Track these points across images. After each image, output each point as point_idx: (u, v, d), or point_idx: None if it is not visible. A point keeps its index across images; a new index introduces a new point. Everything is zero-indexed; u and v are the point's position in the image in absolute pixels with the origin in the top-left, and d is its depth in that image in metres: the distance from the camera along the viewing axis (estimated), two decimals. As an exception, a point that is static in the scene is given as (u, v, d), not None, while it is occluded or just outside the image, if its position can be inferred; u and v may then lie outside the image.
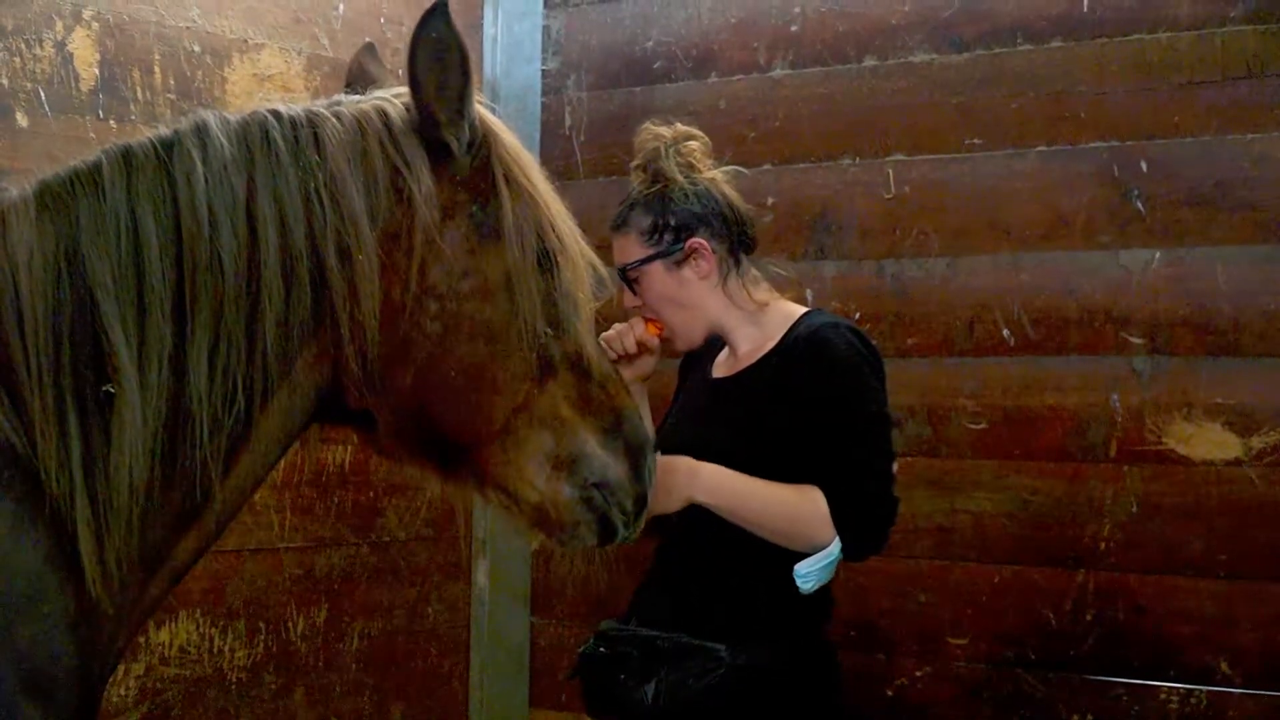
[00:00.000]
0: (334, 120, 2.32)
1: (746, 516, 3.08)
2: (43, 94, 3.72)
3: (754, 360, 3.26)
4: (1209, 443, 3.92)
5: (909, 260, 4.31)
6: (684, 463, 3.09)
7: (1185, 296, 3.95)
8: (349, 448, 4.39)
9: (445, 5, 2.29)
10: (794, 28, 4.51)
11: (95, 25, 3.81)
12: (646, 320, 3.28)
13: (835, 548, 3.04)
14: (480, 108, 2.44)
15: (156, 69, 3.95)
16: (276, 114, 2.31)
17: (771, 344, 3.24)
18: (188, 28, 4.02)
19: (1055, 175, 4.11)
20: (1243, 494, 3.88)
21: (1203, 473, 3.92)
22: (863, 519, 3.06)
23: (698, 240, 3.22)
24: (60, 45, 3.75)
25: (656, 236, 3.23)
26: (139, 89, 3.92)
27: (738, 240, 3.30)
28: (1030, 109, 4.16)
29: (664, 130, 3.31)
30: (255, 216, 2.20)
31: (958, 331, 4.23)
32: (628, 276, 3.25)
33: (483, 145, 2.44)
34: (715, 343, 3.46)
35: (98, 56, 3.83)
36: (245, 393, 2.19)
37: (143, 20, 3.91)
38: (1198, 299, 3.94)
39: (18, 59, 3.67)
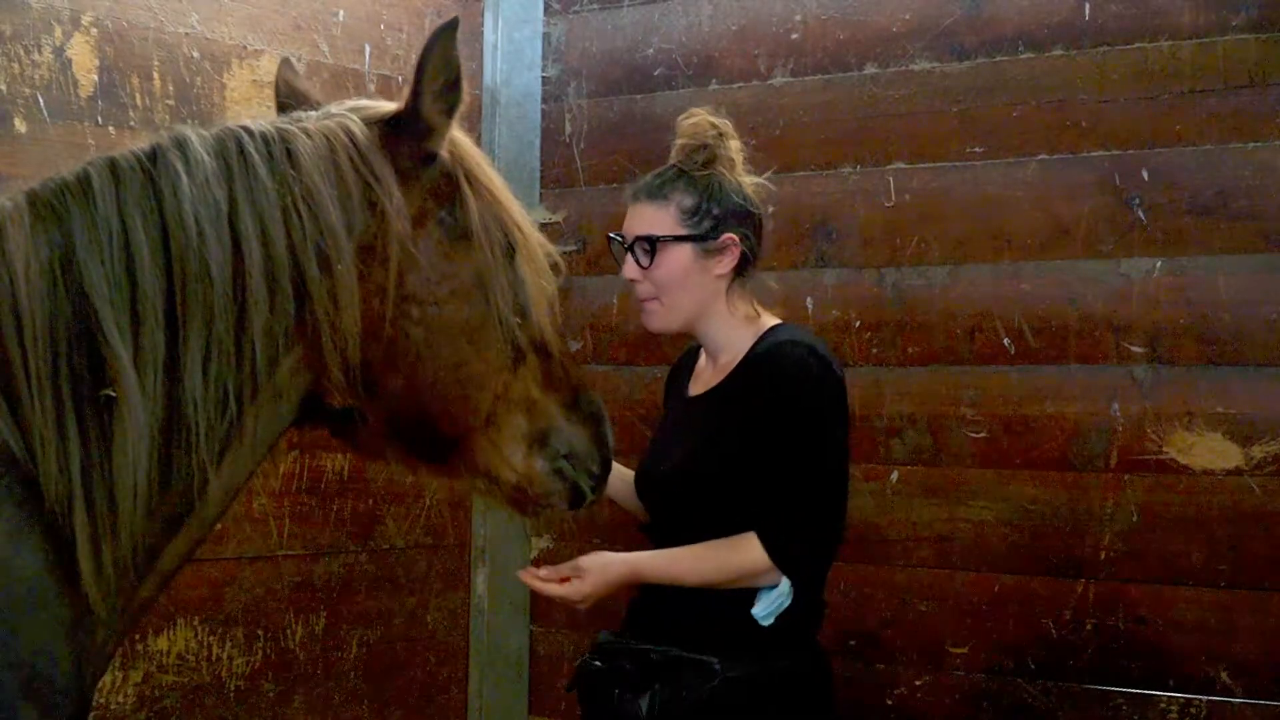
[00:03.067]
0: (304, 136, 2.41)
1: (688, 581, 3.16)
2: (41, 100, 3.72)
3: (723, 377, 3.28)
4: (1210, 452, 3.91)
5: (909, 269, 4.30)
6: (615, 569, 3.19)
7: (1186, 306, 3.94)
8: (348, 456, 4.39)
9: (456, 25, 2.42)
10: (795, 35, 4.51)
11: (94, 31, 3.81)
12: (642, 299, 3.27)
13: (786, 586, 3.12)
14: None
15: (156, 75, 3.95)
16: (248, 130, 2.38)
17: (739, 359, 3.26)
18: (187, 34, 4.01)
19: (1056, 184, 4.11)
20: (1243, 504, 3.87)
21: (1203, 482, 3.92)
22: (802, 551, 3.11)
23: (733, 237, 3.22)
24: (59, 51, 3.74)
25: (697, 219, 3.21)
26: (138, 95, 3.91)
27: (756, 251, 3.31)
28: (1031, 117, 4.15)
29: (719, 120, 3.29)
30: (237, 228, 2.27)
31: (958, 340, 4.22)
32: (655, 247, 3.21)
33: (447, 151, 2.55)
34: (694, 356, 3.50)
35: (97, 63, 3.82)
36: (237, 399, 2.25)
37: (142, 26, 3.90)
38: (1199, 308, 3.93)
39: (16, 65, 3.67)
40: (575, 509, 2.90)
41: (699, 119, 3.29)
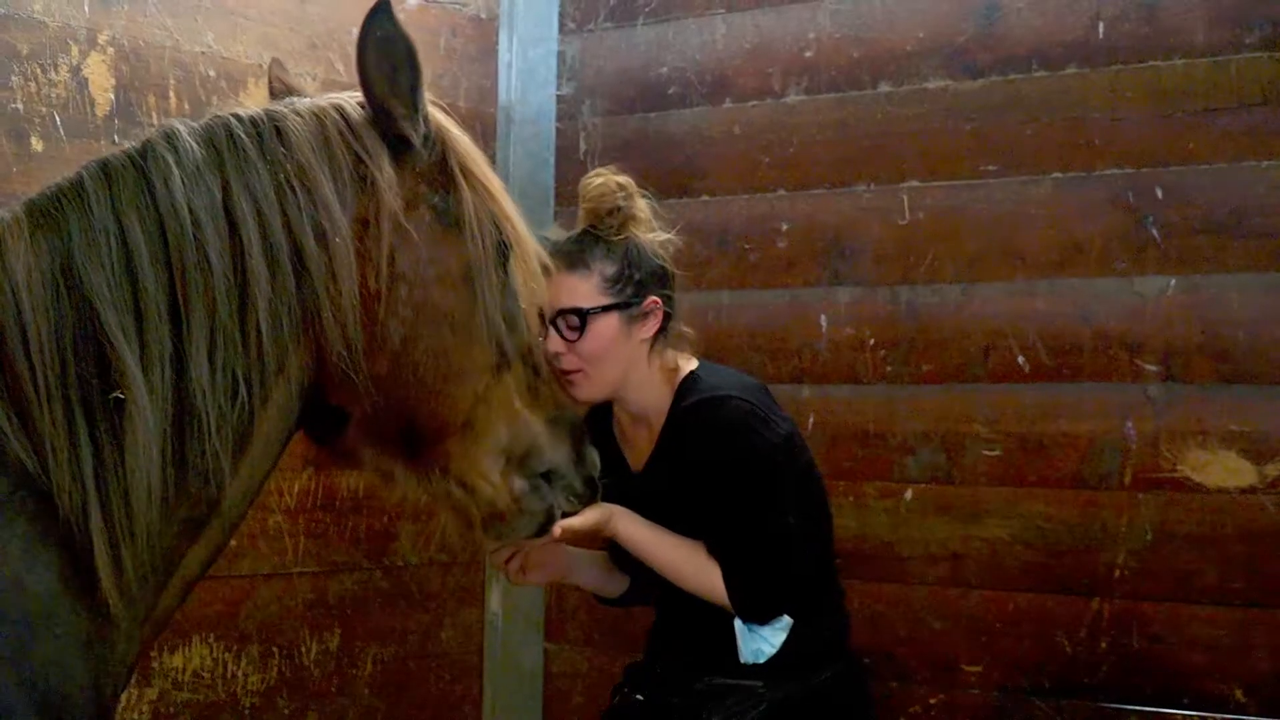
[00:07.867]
0: (293, 115, 2.41)
1: (656, 567, 3.18)
2: (58, 118, 3.73)
3: (656, 442, 3.25)
4: (1224, 470, 3.90)
5: (923, 286, 4.30)
6: (595, 508, 3.04)
7: (1200, 323, 3.93)
8: (362, 473, 4.38)
9: (388, 3, 2.37)
10: (808, 54, 4.51)
11: (110, 50, 3.82)
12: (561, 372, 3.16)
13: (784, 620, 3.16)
14: (431, 106, 2.53)
15: (172, 94, 3.96)
16: (237, 115, 2.39)
17: (664, 417, 3.23)
18: (203, 53, 4.03)
19: (1070, 202, 4.10)
20: (1258, 521, 3.86)
21: (1217, 500, 3.91)
22: (752, 593, 3.11)
23: (656, 300, 3.17)
24: (75, 70, 3.76)
25: (620, 286, 3.14)
26: (154, 114, 3.93)
27: (675, 309, 3.27)
28: (1045, 135, 4.15)
29: (623, 179, 3.22)
30: (232, 212, 2.27)
31: (972, 358, 4.22)
32: (585, 320, 3.11)
33: (438, 140, 2.53)
34: (606, 418, 3.42)
35: (113, 81, 3.84)
36: (246, 386, 2.25)
37: (158, 45, 3.92)
38: (1213, 326, 3.92)
39: (33, 83, 3.68)
40: (543, 533, 2.87)
41: (604, 180, 3.21)
